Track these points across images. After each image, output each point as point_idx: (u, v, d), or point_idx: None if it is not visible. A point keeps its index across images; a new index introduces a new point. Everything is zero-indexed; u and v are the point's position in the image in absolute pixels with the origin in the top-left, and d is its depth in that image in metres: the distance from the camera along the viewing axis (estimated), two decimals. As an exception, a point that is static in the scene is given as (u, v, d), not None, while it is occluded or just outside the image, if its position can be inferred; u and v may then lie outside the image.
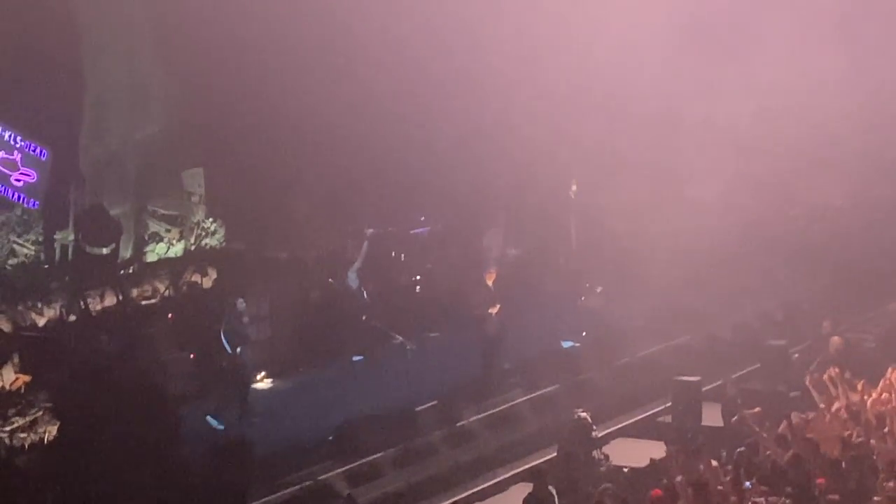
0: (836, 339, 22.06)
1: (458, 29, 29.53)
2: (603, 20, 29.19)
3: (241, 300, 22.81)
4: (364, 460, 20.12)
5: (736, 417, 18.99)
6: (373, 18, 29.22)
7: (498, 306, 23.58)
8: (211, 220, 28.52)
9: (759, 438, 17.06)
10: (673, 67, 29.46)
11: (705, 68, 29.42)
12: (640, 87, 30.06)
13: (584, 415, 19.51)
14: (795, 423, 17.63)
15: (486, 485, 19.95)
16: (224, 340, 22.37)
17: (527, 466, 19.95)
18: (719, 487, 15.02)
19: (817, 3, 29.17)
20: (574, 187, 31.25)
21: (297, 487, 19.21)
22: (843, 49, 29.40)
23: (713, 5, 30.17)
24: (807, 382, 19.88)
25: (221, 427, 21.78)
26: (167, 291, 25.54)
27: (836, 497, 15.18)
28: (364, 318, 26.01)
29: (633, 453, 20.30)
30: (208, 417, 21.94)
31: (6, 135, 26.16)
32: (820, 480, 15.27)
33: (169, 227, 28.41)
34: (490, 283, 23.80)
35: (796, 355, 23.62)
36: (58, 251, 27.10)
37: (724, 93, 30.05)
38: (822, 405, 18.93)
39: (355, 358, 26.03)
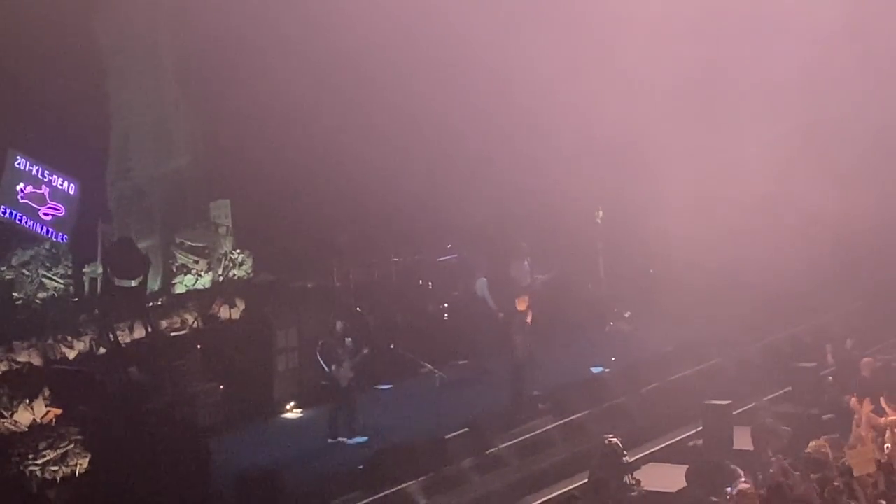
0: (868, 360, 21.90)
1: (479, 63, 29.60)
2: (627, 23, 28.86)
3: (339, 322, 23.10)
4: (394, 489, 20.02)
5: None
6: (396, 56, 29.33)
7: (528, 332, 23.54)
8: (238, 251, 28.56)
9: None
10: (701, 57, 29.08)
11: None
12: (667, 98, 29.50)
13: (614, 440, 19.38)
14: (828, 445, 17.43)
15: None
16: (320, 359, 22.63)
17: (558, 493, 19.87)
18: None
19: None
20: (600, 213, 31.14)
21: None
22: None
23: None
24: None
25: (364, 439, 22.09)
26: (196, 323, 25.59)
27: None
28: (392, 346, 25.98)
29: (664, 478, 20.22)
30: (345, 440, 22.18)
31: (34, 169, 26.33)
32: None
33: (197, 259, 28.46)
34: (520, 309, 23.74)
35: (831, 378, 23.46)
36: (86, 284, 27.26)
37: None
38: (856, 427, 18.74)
39: (383, 386, 26.01)
